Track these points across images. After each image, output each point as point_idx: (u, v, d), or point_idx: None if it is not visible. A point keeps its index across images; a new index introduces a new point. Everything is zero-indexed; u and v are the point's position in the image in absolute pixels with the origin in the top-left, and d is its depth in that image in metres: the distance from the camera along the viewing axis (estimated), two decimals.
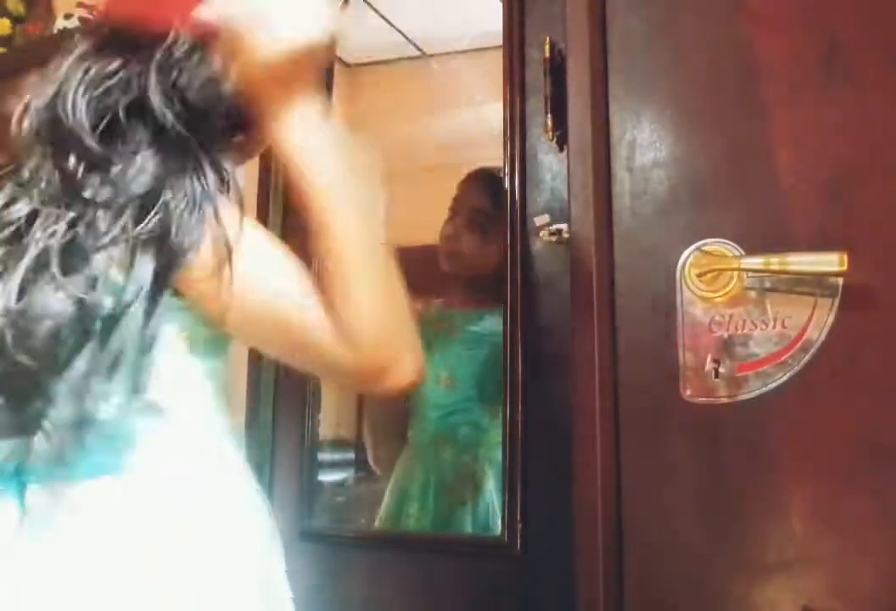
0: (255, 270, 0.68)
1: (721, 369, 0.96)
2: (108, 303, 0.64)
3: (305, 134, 0.71)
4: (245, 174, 1.47)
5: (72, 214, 0.66)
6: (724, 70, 1.01)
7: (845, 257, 0.87)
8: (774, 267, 0.92)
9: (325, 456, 1.51)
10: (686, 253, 0.99)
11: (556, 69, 1.15)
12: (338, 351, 0.67)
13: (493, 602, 1.18)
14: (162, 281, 0.66)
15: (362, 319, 0.67)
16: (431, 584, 1.24)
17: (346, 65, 1.70)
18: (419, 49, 1.72)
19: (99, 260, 0.65)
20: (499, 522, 1.21)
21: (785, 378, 0.92)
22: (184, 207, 0.67)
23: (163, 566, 0.67)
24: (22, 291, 0.64)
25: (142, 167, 0.68)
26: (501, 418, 1.21)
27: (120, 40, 0.72)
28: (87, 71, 0.70)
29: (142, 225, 0.65)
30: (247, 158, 0.85)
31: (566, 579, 1.00)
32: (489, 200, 1.52)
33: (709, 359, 0.96)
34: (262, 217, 1.48)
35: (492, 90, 1.33)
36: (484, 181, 1.57)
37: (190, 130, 0.69)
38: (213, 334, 0.74)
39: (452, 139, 1.68)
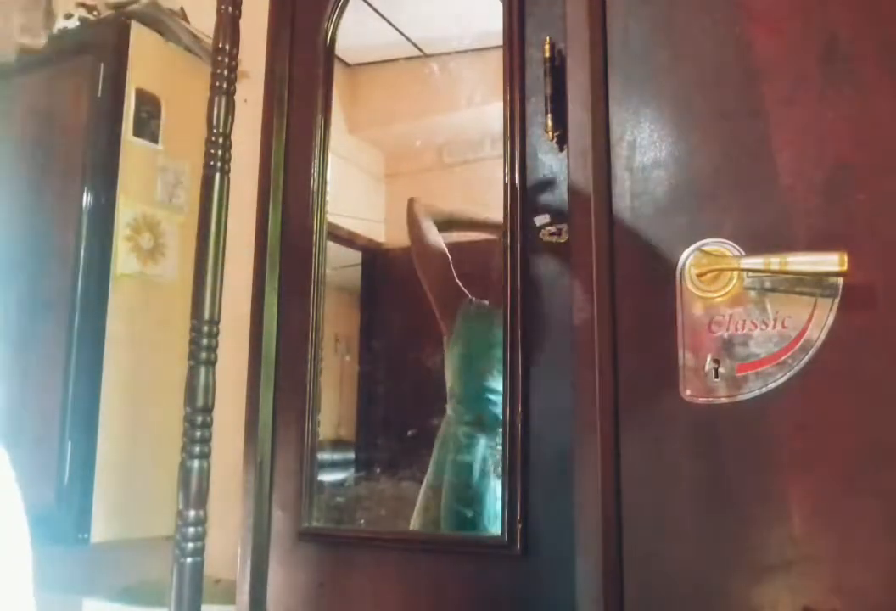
0: None
1: (721, 369, 0.96)
2: None
3: None
4: (245, 177, 1.47)
5: None
6: (723, 70, 1.01)
7: (845, 257, 0.87)
8: (774, 267, 0.92)
9: (325, 456, 1.51)
10: (686, 253, 0.99)
11: (556, 69, 1.15)
12: None
13: (493, 602, 1.18)
14: None
15: None
16: (431, 584, 1.24)
17: (346, 65, 1.69)
18: (419, 49, 1.72)
19: None
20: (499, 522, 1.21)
21: (785, 378, 0.92)
22: None
23: None
24: None
25: None
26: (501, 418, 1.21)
27: None
28: None
29: None
30: None
31: (566, 579, 1.00)
32: None
33: (709, 359, 0.96)
34: (262, 221, 1.48)
35: (492, 90, 1.33)
36: None
37: None
38: None
39: (452, 139, 1.68)
